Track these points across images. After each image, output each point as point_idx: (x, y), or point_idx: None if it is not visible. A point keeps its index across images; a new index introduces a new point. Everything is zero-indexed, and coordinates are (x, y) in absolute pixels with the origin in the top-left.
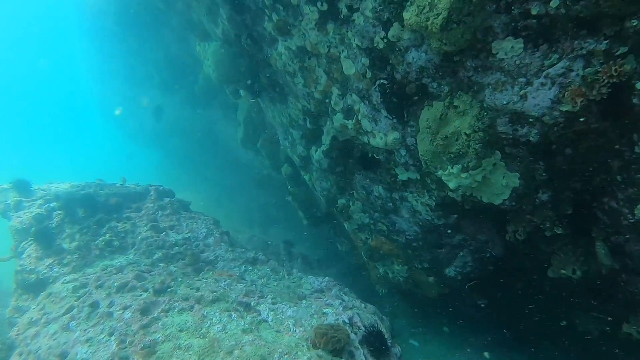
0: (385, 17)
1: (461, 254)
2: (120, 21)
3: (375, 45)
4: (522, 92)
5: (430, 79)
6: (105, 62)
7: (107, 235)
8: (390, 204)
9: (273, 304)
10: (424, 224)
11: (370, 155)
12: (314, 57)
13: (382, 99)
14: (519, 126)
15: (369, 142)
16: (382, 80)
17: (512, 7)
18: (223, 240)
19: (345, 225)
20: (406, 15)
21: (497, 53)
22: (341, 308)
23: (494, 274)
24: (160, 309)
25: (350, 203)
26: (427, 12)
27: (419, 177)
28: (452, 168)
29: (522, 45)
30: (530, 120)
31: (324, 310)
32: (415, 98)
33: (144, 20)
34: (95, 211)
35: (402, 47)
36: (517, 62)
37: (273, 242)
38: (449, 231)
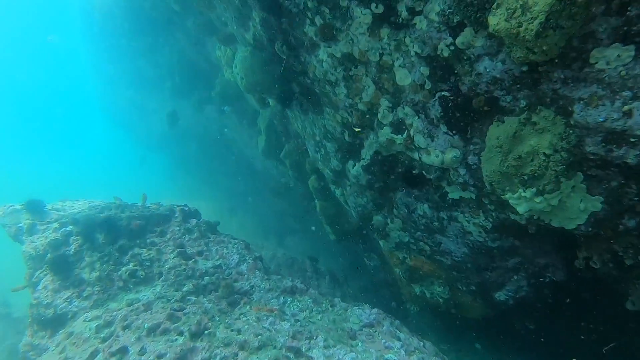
0: (454, 21)
1: (515, 277)
2: (129, 22)
3: (438, 53)
4: (625, 108)
5: (504, 91)
6: (112, 64)
7: (131, 265)
8: (437, 223)
9: (326, 347)
10: (474, 246)
11: (416, 172)
12: (361, 65)
13: (442, 113)
14: (615, 147)
15: (420, 159)
16: (443, 93)
17: (629, 8)
18: (257, 267)
19: (381, 243)
20: (492, 20)
21: (597, 62)
22: (403, 352)
23: (551, 300)
24: (199, 358)
25: (389, 220)
26: (519, 16)
27: (474, 197)
28: (524, 191)
29: (632, 53)
30: (632, 140)
31: (386, 357)
32: (483, 113)
33: (156, 22)
34: (116, 236)
35: (472, 56)
36: (623, 73)
37: (297, 258)
38: (504, 254)
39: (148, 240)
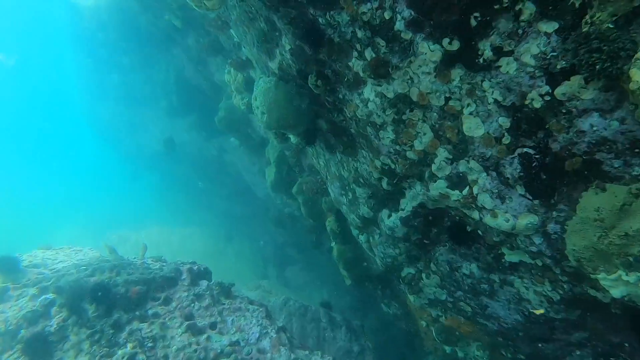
0: (558, 67)
1: (578, 352)
2: (122, 35)
3: (527, 102)
4: None
5: (613, 155)
6: (102, 78)
7: (130, 346)
8: (485, 285)
9: None
10: (531, 315)
11: (470, 229)
12: (419, 109)
13: (522, 173)
14: None
15: (481, 219)
16: (527, 149)
17: None
18: (282, 343)
19: (411, 297)
20: (636, 74)
21: None
22: None
23: None
24: None
25: (423, 276)
26: None
27: (539, 264)
28: (626, 274)
29: None
30: None
31: None
32: (576, 177)
33: (153, 37)
34: (110, 307)
35: (573, 110)
36: None
37: (311, 306)
38: (568, 327)
39: (150, 311)
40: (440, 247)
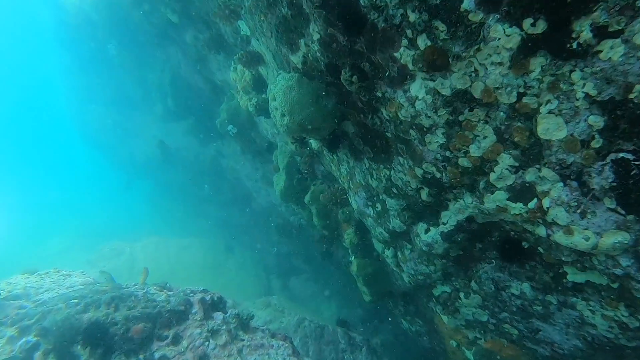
0: None
1: None
2: (112, 32)
3: (631, 96)
4: None
5: None
6: (90, 80)
7: None
8: (539, 307)
9: None
10: (595, 341)
11: (527, 245)
12: (481, 108)
13: (615, 183)
14: None
15: (548, 236)
16: (624, 155)
17: None
18: None
19: (445, 317)
20: None
21: None
22: None
23: None
24: None
25: (461, 295)
26: None
27: (615, 286)
28: None
29: None
30: None
31: None
32: None
33: (147, 35)
34: (108, 350)
35: None
36: None
37: (327, 327)
38: None
39: (156, 354)
40: (485, 265)
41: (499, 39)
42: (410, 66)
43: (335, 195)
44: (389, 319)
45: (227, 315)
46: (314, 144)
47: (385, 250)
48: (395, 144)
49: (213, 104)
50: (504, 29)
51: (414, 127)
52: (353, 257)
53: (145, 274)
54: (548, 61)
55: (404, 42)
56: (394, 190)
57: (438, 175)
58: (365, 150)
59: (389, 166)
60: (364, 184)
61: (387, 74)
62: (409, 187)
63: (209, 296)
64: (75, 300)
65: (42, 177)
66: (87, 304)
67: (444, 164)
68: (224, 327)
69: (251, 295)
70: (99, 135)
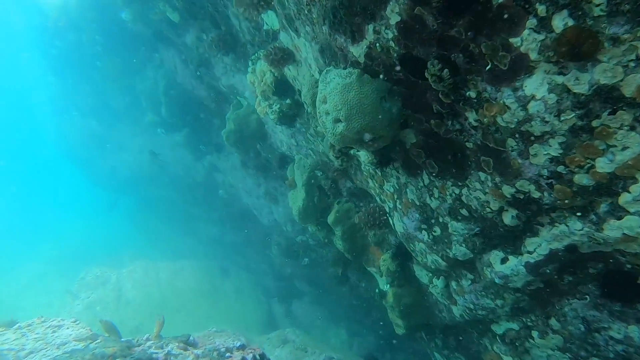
0: None
1: None
2: (98, 37)
3: None
4: None
5: None
6: (69, 89)
7: None
8: None
9: None
10: None
11: None
12: (629, 109)
13: None
14: None
15: None
16: None
17: None
18: None
19: (507, 358)
20: None
21: None
22: None
23: None
24: None
25: (535, 334)
26: None
27: None
28: None
29: None
30: None
31: None
32: None
33: (138, 38)
34: None
35: None
36: None
37: None
38: None
39: None
40: (574, 300)
41: None
42: (532, 55)
43: (373, 216)
44: (403, 348)
45: None
46: (364, 156)
47: (435, 280)
48: (476, 156)
49: (212, 114)
50: None
51: (516, 135)
52: (388, 286)
53: (161, 324)
54: None
55: (531, 22)
56: (464, 212)
57: (536, 195)
58: (428, 165)
59: (460, 183)
60: (418, 204)
61: (488, 67)
62: (487, 209)
63: (250, 354)
64: None
65: (12, 194)
66: None
67: (550, 181)
68: None
69: (254, 323)
70: (77, 148)
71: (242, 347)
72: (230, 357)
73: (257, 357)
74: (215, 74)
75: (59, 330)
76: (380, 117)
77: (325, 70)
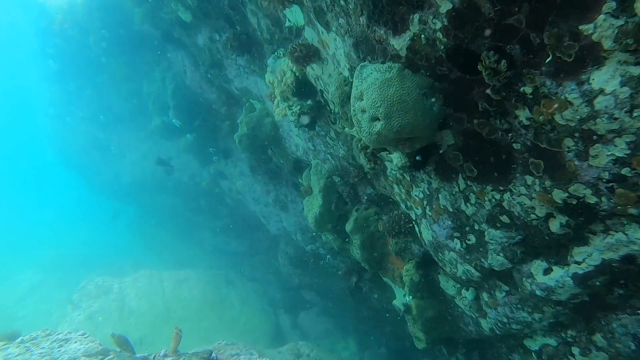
0: None
1: None
2: (104, 41)
3: None
4: None
5: None
6: (73, 93)
7: None
8: None
9: None
10: None
11: None
12: None
13: None
14: None
15: None
16: None
17: None
18: None
19: None
20: None
21: None
22: None
23: None
24: None
25: (575, 351)
26: None
27: None
28: None
29: None
30: None
31: None
32: None
33: (147, 39)
34: None
35: None
36: None
37: None
38: None
39: None
40: (624, 316)
41: None
42: (606, 44)
43: (398, 224)
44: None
45: None
46: (395, 159)
47: (464, 291)
48: (524, 158)
49: (221, 118)
50: None
51: (576, 134)
52: (410, 297)
53: (179, 338)
54: None
55: (609, 5)
56: (504, 218)
57: (592, 200)
58: (465, 168)
59: (502, 188)
60: (451, 210)
61: (549, 59)
62: (533, 215)
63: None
64: None
65: (10, 200)
66: None
67: (610, 185)
68: None
69: (261, 335)
70: (78, 154)
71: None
72: None
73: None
74: (227, 75)
75: (66, 345)
76: (421, 115)
77: (359, 66)
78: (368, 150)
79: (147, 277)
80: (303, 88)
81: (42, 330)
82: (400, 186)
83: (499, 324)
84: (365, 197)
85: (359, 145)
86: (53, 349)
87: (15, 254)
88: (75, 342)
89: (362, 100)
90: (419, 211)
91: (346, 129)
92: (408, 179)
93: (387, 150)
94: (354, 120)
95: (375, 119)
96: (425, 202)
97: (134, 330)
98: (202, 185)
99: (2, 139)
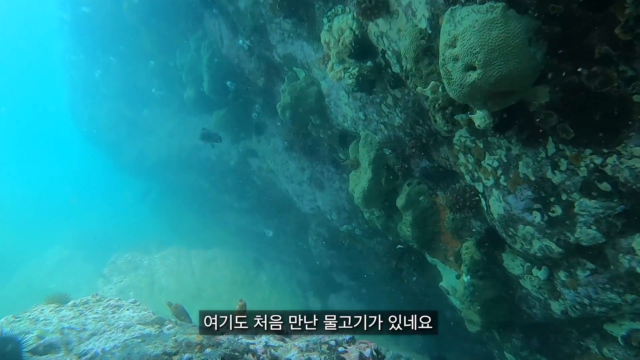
0: None
1: None
2: (136, 14)
3: None
4: None
5: None
6: (95, 66)
7: None
8: None
9: None
10: None
11: None
12: None
13: None
14: None
15: None
16: None
17: None
18: None
19: None
20: None
21: None
22: None
23: None
24: None
25: None
26: None
27: None
28: None
29: None
30: None
31: None
32: None
33: (180, 10)
34: None
35: None
36: None
37: None
38: None
39: None
40: None
41: None
42: None
43: (463, 197)
44: (455, 345)
45: None
46: (480, 118)
47: (535, 270)
48: None
49: (257, 92)
50: None
51: None
52: (467, 277)
53: (244, 309)
54: None
55: None
56: (604, 186)
57: None
58: (559, 129)
59: (606, 150)
60: (533, 179)
61: None
62: None
63: (368, 350)
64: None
65: (38, 178)
66: None
67: None
68: None
69: None
70: (104, 132)
71: (352, 341)
72: (345, 351)
73: (374, 352)
74: (270, 42)
75: (119, 311)
76: (526, 64)
77: (449, 10)
78: (447, 111)
79: (175, 255)
80: (362, 48)
81: (91, 295)
82: (469, 155)
83: (577, 306)
84: (419, 171)
85: (436, 105)
86: (107, 314)
87: (43, 230)
88: (128, 309)
89: (455, 47)
90: (490, 182)
91: (419, 87)
92: (481, 145)
93: (469, 111)
94: (442, 72)
95: (470, 67)
96: (499, 172)
97: (165, 307)
98: (230, 164)
99: (30, 114)
